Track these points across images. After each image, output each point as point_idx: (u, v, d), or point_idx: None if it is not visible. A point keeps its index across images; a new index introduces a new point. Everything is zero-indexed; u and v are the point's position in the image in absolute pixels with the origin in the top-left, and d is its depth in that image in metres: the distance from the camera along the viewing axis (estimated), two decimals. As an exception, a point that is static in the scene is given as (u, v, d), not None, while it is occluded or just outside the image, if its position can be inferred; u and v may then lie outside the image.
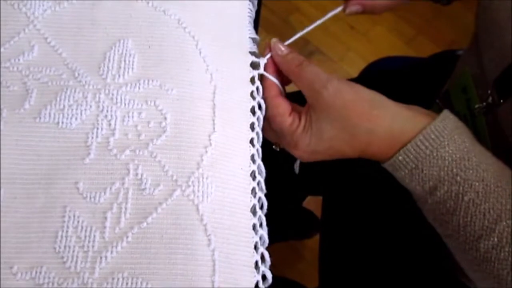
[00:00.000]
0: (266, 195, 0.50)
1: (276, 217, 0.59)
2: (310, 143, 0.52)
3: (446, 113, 0.51)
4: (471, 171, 0.48)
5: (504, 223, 0.46)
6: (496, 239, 0.46)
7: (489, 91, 0.56)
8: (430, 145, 0.49)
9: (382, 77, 0.93)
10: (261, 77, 0.55)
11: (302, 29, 0.59)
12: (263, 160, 0.52)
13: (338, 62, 1.66)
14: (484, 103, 0.57)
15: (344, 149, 0.52)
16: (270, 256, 0.47)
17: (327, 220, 0.90)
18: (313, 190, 1.10)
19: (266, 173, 0.51)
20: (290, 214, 1.33)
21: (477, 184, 0.48)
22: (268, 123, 0.55)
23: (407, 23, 1.73)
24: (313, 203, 1.33)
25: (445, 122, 0.50)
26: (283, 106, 0.53)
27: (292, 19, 1.71)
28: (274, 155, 0.63)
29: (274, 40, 0.54)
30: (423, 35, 1.72)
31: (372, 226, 0.79)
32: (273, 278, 0.47)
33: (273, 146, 0.57)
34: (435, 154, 0.49)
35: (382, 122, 0.50)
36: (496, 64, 0.56)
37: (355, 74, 1.09)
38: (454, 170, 0.48)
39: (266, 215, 0.50)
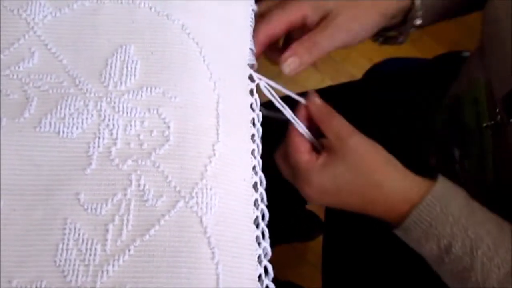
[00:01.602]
0: (269, 197, 0.50)
1: (279, 219, 0.58)
2: (322, 182, 0.54)
3: (441, 177, 0.54)
4: (479, 226, 0.50)
5: None
6: None
7: (497, 109, 0.55)
8: (439, 203, 0.51)
9: (386, 79, 0.92)
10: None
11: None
12: (266, 163, 0.52)
13: (341, 62, 1.64)
14: (493, 121, 0.56)
15: (352, 197, 0.55)
16: (273, 260, 0.47)
17: (331, 222, 0.89)
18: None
19: (269, 174, 0.52)
20: (293, 216, 1.32)
21: (486, 238, 0.50)
22: (284, 159, 0.58)
23: (411, 23, 1.71)
24: (315, 205, 1.32)
25: (446, 183, 0.53)
26: (304, 145, 0.56)
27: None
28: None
29: (311, 90, 0.58)
30: (427, 35, 1.70)
31: (377, 228, 0.78)
32: (277, 282, 0.46)
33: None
34: (445, 211, 0.51)
35: (392, 178, 0.54)
36: (503, 82, 0.55)
37: (358, 74, 1.07)
38: (465, 225, 0.50)
39: (268, 216, 0.50)
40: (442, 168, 0.66)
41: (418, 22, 0.63)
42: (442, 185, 0.52)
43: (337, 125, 0.55)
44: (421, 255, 0.55)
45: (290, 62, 0.56)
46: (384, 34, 0.68)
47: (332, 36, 0.57)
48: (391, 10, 0.61)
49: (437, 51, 0.92)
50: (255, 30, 0.58)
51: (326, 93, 0.90)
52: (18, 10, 0.51)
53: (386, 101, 0.83)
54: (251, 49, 0.57)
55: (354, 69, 1.62)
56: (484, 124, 0.58)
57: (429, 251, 0.53)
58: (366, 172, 0.53)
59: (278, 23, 0.58)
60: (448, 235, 0.51)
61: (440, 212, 0.51)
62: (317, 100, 0.57)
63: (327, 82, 1.65)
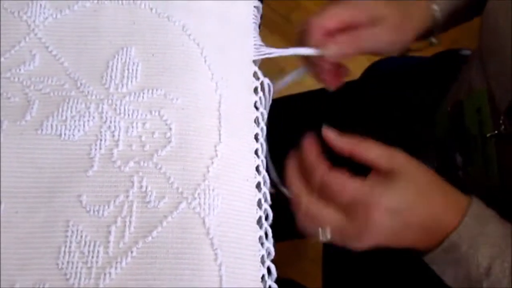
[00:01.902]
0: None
1: (279, 215, 0.58)
2: (392, 198, 0.48)
3: (475, 197, 0.51)
4: None
5: None
6: None
7: (501, 120, 0.55)
8: (478, 224, 0.49)
9: (385, 78, 0.92)
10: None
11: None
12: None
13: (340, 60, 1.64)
14: (496, 131, 0.56)
15: (420, 214, 0.49)
16: (273, 258, 0.47)
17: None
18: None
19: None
20: (294, 213, 1.32)
21: None
22: (328, 214, 0.50)
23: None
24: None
25: (480, 203, 0.51)
26: (340, 176, 0.49)
27: (293, 17, 1.70)
28: (278, 155, 0.62)
29: (324, 127, 0.51)
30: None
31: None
32: (277, 280, 0.46)
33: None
34: (483, 231, 0.49)
35: (449, 187, 0.51)
36: (505, 91, 0.54)
37: (358, 72, 1.07)
38: (503, 246, 0.49)
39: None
40: (443, 173, 0.66)
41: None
42: (479, 203, 0.51)
43: (377, 147, 0.50)
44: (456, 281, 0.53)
45: (330, 48, 0.56)
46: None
47: (377, 35, 0.58)
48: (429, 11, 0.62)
49: (436, 49, 0.92)
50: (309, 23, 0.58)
51: (325, 93, 0.90)
52: (18, 12, 0.51)
53: (385, 101, 0.83)
54: (259, 44, 0.56)
55: (353, 67, 1.61)
56: (488, 134, 0.57)
57: (467, 274, 0.51)
58: (430, 181, 0.51)
59: (329, 17, 0.58)
60: (488, 257, 0.49)
61: (479, 234, 0.49)
62: (333, 135, 0.51)
63: (327, 80, 1.64)
